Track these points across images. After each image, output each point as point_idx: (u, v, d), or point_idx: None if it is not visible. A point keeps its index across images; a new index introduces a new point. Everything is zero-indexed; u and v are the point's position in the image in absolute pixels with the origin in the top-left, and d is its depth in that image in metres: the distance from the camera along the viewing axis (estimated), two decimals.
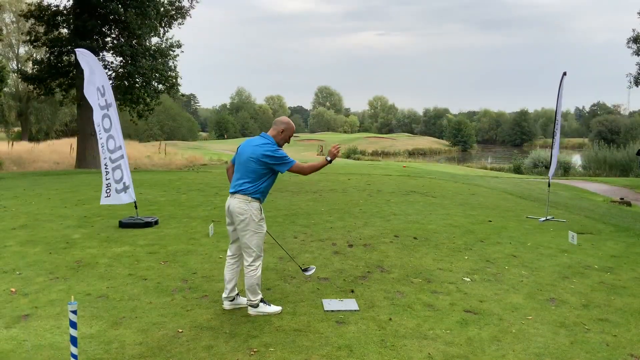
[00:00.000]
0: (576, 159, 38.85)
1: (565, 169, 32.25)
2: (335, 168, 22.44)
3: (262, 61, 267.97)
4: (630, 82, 26.72)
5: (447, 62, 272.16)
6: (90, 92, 7.76)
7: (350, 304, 4.66)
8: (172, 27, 23.57)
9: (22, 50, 42.87)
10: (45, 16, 21.08)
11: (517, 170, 34.80)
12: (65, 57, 21.82)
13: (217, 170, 21.24)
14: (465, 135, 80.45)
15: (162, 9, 22.15)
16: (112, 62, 22.36)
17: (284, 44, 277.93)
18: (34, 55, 29.88)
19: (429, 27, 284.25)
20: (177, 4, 23.60)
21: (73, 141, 26.50)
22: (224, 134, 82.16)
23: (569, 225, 8.64)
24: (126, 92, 21.47)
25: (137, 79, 21.87)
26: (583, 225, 8.77)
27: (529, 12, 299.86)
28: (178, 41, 23.80)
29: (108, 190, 7.83)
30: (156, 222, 8.08)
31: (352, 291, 5.03)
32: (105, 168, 7.82)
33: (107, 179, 7.83)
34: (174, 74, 22.94)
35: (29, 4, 23.58)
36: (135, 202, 8.14)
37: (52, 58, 21.69)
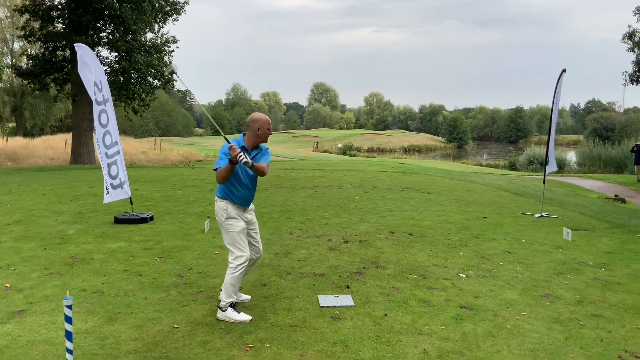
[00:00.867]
0: (571, 156, 39.00)
1: (560, 166, 32.36)
2: (331, 165, 22.45)
3: (258, 58, 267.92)
4: (626, 80, 26.78)
5: (443, 59, 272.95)
6: (88, 85, 7.71)
7: (346, 300, 4.67)
8: (167, 23, 23.53)
9: (17, 45, 42.53)
10: (39, 11, 20.96)
11: (513, 167, 34.94)
12: (60, 52, 21.72)
13: (212, 166, 21.18)
14: (460, 132, 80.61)
15: (157, 5, 22.07)
16: (107, 58, 22.31)
17: (280, 40, 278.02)
18: (29, 50, 29.66)
19: (425, 24, 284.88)
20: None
21: (68, 137, 26.43)
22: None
23: (563, 221, 8.68)
24: (121, 87, 21.40)
25: (132, 75, 21.80)
26: (578, 222, 8.81)
27: (525, 10, 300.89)
28: (173, 37, 23.80)
29: (108, 188, 7.78)
30: (151, 218, 8.06)
31: (348, 287, 5.03)
32: (102, 164, 7.77)
33: (106, 176, 7.77)
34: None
35: None
36: (130, 197, 8.12)
37: (46, 53, 21.59)
